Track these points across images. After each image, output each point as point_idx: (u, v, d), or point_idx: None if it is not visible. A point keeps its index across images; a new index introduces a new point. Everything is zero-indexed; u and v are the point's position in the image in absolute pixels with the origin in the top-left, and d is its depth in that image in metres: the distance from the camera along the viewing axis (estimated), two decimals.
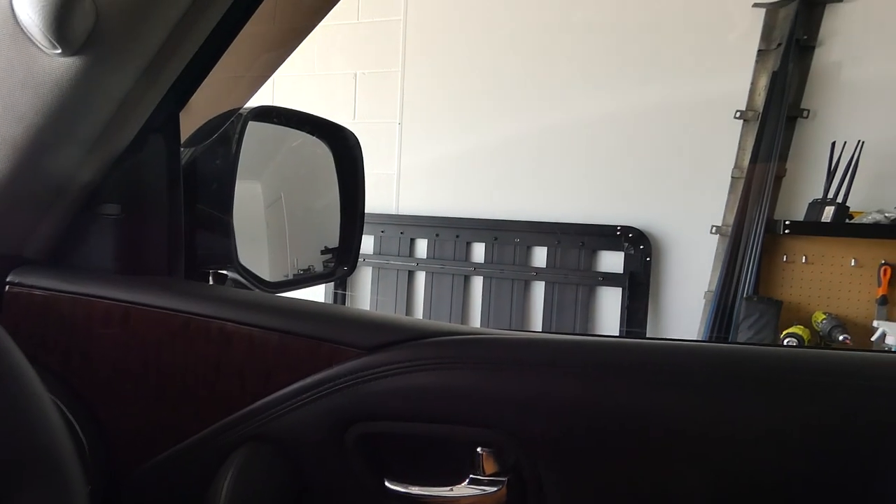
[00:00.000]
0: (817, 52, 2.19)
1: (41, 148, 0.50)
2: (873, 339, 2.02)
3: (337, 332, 0.53)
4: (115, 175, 0.58)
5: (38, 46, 0.45)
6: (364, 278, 2.77)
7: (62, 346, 0.56)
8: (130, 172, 0.58)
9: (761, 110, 2.19)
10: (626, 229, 2.37)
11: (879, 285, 2.14)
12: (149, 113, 0.56)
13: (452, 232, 2.59)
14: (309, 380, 0.52)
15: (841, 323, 2.10)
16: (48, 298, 0.56)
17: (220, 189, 0.70)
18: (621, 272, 2.39)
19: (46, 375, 0.55)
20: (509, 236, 2.51)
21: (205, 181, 0.71)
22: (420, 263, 2.63)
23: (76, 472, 0.31)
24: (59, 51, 0.44)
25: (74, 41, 0.43)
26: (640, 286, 2.36)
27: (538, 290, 2.50)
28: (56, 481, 0.29)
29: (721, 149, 2.29)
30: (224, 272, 0.76)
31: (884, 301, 2.12)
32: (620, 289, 2.38)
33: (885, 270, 2.13)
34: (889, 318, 2.11)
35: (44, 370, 0.55)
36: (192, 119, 0.76)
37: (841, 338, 2.03)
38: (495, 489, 0.51)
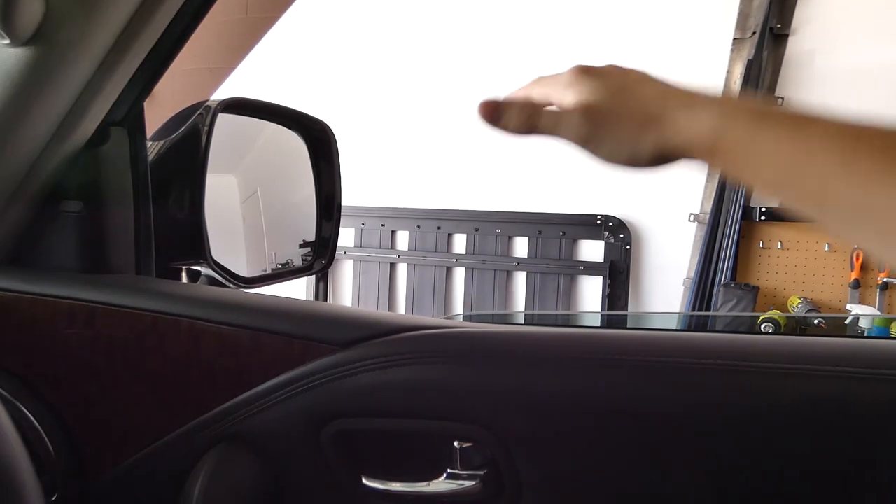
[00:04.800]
0: (791, 40, 2.21)
1: None
2: (847, 321, 2.06)
3: (310, 328, 0.52)
4: (76, 170, 0.56)
5: None
6: (345, 271, 2.75)
7: (24, 349, 0.54)
8: (92, 167, 0.56)
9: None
10: (607, 218, 2.39)
11: (852, 269, 2.18)
12: (110, 105, 0.54)
13: (433, 223, 2.58)
14: (282, 377, 0.51)
15: (816, 307, 2.15)
16: (9, 300, 0.54)
17: (191, 183, 0.68)
18: (602, 261, 2.40)
19: (9, 380, 0.53)
20: (490, 227, 2.51)
21: (174, 175, 0.69)
22: (401, 255, 2.62)
23: (31, 481, 0.29)
24: (8, 41, 0.42)
25: (22, 31, 0.41)
26: (620, 274, 2.38)
27: (520, 279, 2.51)
28: (9, 492, 0.28)
29: None
30: (197, 268, 0.74)
31: (856, 285, 2.17)
32: (601, 277, 2.40)
33: (857, 255, 2.17)
34: (861, 302, 2.16)
35: (6, 374, 0.53)
36: (161, 112, 0.74)
37: (815, 322, 2.07)
38: (472, 483, 0.50)
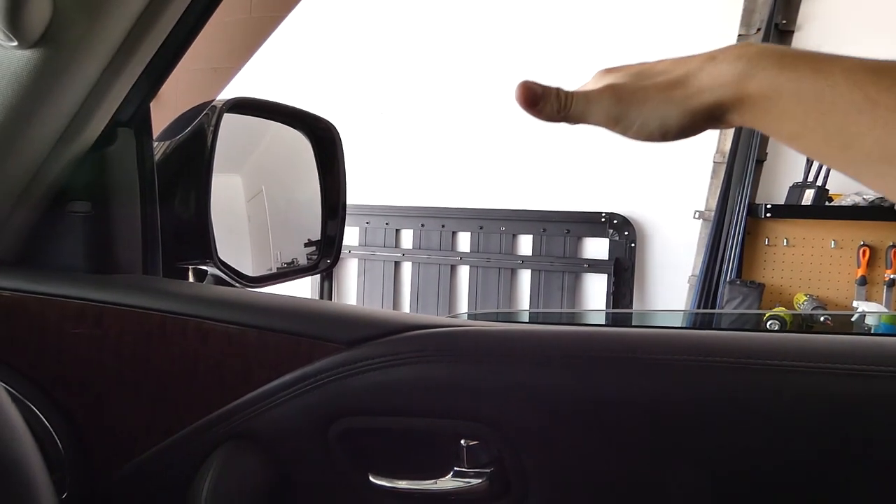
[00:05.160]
0: (796, 36, 2.20)
1: (2, 144, 0.48)
2: (853, 319, 2.05)
3: (316, 327, 0.52)
4: (83, 171, 0.56)
5: None
6: (350, 270, 2.75)
7: (34, 349, 0.54)
8: (100, 168, 0.56)
9: None
10: (611, 216, 2.38)
11: (858, 266, 2.17)
12: (116, 106, 0.54)
13: (438, 222, 2.58)
14: (289, 376, 0.51)
15: (822, 304, 2.14)
16: (17, 300, 0.54)
17: (197, 183, 0.69)
18: (606, 258, 2.40)
19: (19, 379, 0.54)
20: (495, 225, 2.51)
21: (180, 175, 0.69)
22: (406, 254, 2.62)
23: (43, 479, 0.30)
24: (16, 43, 0.42)
25: (30, 33, 0.42)
26: (625, 272, 2.38)
27: (525, 277, 2.51)
28: (22, 490, 0.28)
29: (703, 134, 2.29)
30: (203, 268, 0.75)
31: (863, 281, 2.16)
32: (606, 275, 2.39)
33: (863, 251, 2.16)
34: (868, 299, 2.15)
35: (15, 374, 0.53)
36: (166, 112, 0.74)
37: (822, 319, 2.06)
38: (479, 481, 0.50)
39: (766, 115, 0.31)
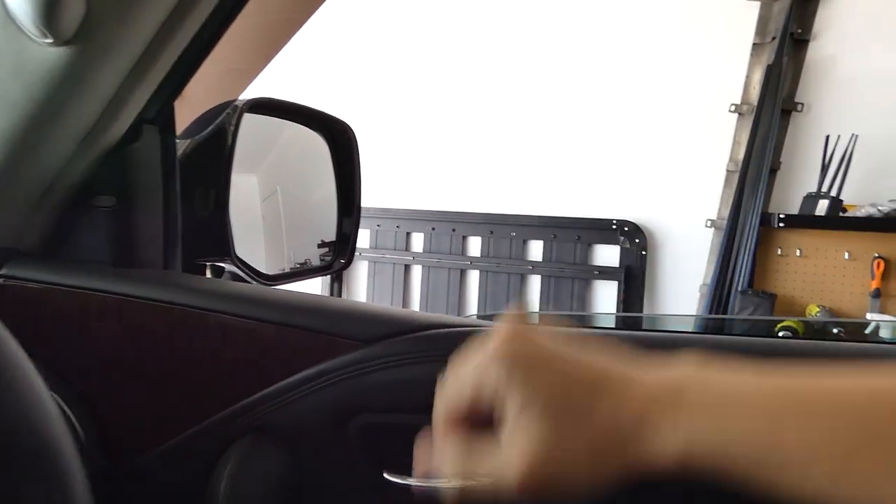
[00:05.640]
0: (811, 45, 2.19)
1: (33, 138, 0.49)
2: (867, 331, 2.03)
3: (334, 324, 0.53)
4: (109, 166, 0.57)
5: (28, 36, 0.44)
6: (360, 272, 2.77)
7: (57, 339, 0.55)
8: (125, 164, 0.57)
9: (756, 104, 2.20)
10: (622, 223, 2.38)
11: (873, 278, 2.15)
12: (143, 103, 0.55)
13: (448, 226, 2.58)
14: (307, 372, 0.52)
15: (835, 316, 2.12)
16: (42, 292, 0.55)
17: (217, 181, 0.70)
18: (617, 266, 2.39)
19: (42, 369, 0.54)
20: (505, 230, 2.51)
21: (201, 173, 0.70)
22: (416, 257, 2.63)
23: (76, 465, 0.30)
24: (50, 40, 0.43)
25: (65, 31, 0.43)
26: (635, 279, 2.37)
27: (535, 283, 2.50)
28: (57, 475, 0.29)
29: (716, 142, 2.29)
30: (221, 265, 0.76)
31: (877, 294, 2.14)
32: (616, 282, 2.38)
33: (878, 263, 2.14)
34: (882, 311, 2.12)
35: (39, 364, 0.54)
36: (189, 111, 0.75)
37: (835, 331, 2.04)
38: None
39: (712, 467, 0.28)
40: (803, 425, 0.26)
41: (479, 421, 0.33)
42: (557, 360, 0.31)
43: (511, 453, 0.30)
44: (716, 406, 0.28)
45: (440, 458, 0.33)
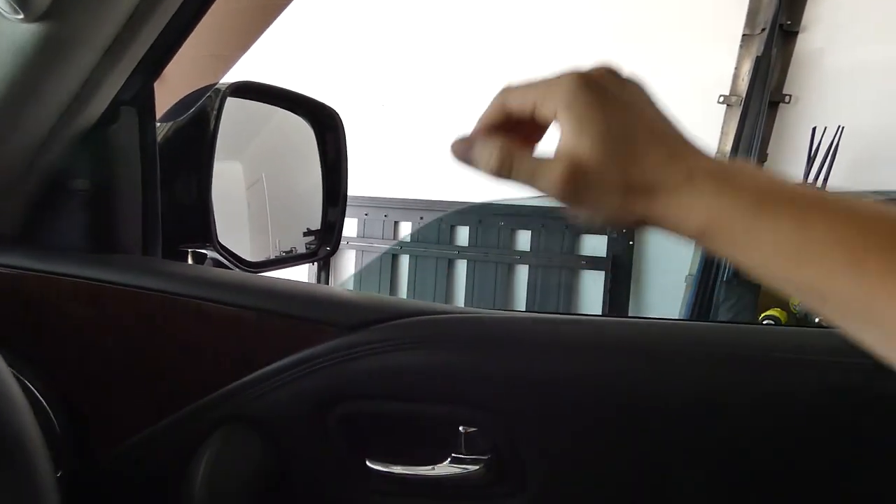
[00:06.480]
0: (800, 37, 2.20)
1: (4, 119, 0.48)
2: None
3: (317, 311, 0.52)
4: (86, 149, 0.56)
5: None
6: (347, 261, 2.75)
7: (32, 326, 0.54)
8: (102, 146, 0.56)
9: (744, 95, 2.21)
10: None
11: None
12: (120, 84, 0.53)
13: (436, 215, 2.57)
14: (288, 359, 0.51)
15: None
16: (16, 277, 0.54)
17: (198, 166, 0.68)
18: (604, 255, 2.40)
19: (16, 357, 0.53)
20: (493, 220, 2.51)
21: (182, 157, 0.69)
22: (404, 247, 2.62)
23: (42, 455, 0.29)
24: (21, 16, 0.42)
25: (36, 6, 0.41)
26: (622, 269, 2.38)
27: (522, 273, 2.51)
28: (20, 465, 0.28)
29: (704, 133, 2.29)
30: (203, 251, 0.74)
31: None
32: (603, 272, 2.39)
33: None
34: None
35: (13, 351, 0.53)
36: (169, 95, 0.74)
37: (817, 319, 2.07)
38: (477, 467, 0.50)
39: (735, 251, 0.29)
40: (829, 220, 0.27)
41: (521, 132, 0.35)
42: (631, 104, 0.32)
43: (557, 159, 0.32)
44: (754, 190, 0.29)
45: (479, 152, 0.34)
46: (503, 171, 0.33)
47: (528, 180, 0.33)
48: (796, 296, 0.28)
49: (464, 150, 0.34)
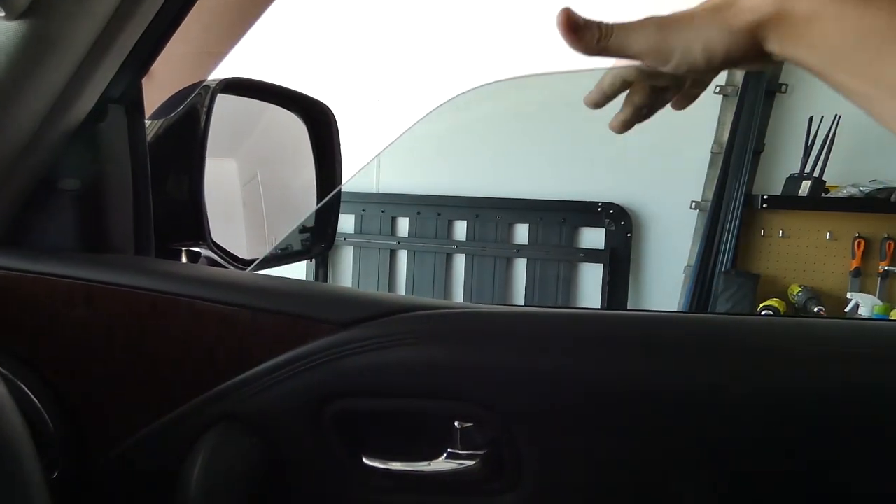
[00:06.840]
0: None
1: None
2: (847, 310, 2.06)
3: (310, 307, 0.52)
4: (74, 148, 0.55)
5: None
6: (345, 257, 2.75)
7: (24, 328, 0.54)
8: (90, 145, 0.55)
9: (741, 85, 2.20)
10: (608, 205, 2.38)
11: (853, 258, 2.18)
12: (107, 82, 0.53)
13: (433, 210, 2.57)
14: (282, 357, 0.51)
15: (816, 295, 2.15)
16: (8, 279, 0.54)
17: (190, 163, 0.68)
18: (602, 248, 2.40)
19: (9, 358, 0.53)
20: (491, 214, 2.50)
21: (173, 155, 0.68)
22: (401, 242, 2.62)
23: (30, 457, 0.29)
24: (2, 14, 0.41)
25: (18, 4, 0.41)
26: (621, 262, 2.38)
27: (520, 266, 2.50)
28: (6, 467, 0.28)
29: (701, 124, 2.29)
30: (197, 250, 0.74)
31: (857, 273, 2.17)
32: (602, 265, 2.39)
33: (858, 243, 2.17)
34: (862, 290, 2.16)
35: (5, 353, 0.53)
36: (159, 92, 0.73)
37: (815, 309, 2.07)
38: (473, 463, 0.50)
39: (803, 39, 0.31)
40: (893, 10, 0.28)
41: None
42: None
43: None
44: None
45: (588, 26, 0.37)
46: (600, 46, 0.37)
47: (623, 48, 0.37)
48: (850, 86, 0.30)
49: (572, 25, 0.37)
